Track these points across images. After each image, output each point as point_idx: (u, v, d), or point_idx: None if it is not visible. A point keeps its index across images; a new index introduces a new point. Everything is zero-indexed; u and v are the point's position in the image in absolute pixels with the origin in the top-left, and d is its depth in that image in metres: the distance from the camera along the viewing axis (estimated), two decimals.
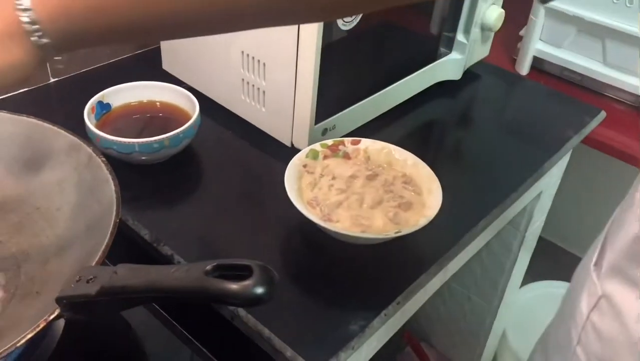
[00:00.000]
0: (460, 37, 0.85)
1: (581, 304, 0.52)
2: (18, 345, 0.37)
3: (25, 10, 0.38)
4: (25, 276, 0.51)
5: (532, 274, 1.19)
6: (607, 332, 0.48)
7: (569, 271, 0.59)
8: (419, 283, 0.59)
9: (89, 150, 0.54)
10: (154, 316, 0.59)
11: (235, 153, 0.74)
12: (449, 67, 0.86)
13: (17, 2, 0.37)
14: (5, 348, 0.37)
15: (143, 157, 0.66)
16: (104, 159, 0.53)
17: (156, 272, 0.36)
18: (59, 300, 0.39)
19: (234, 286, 0.33)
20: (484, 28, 0.85)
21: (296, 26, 0.63)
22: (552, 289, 1.29)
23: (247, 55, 0.71)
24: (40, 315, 0.44)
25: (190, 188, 0.69)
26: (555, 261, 1.41)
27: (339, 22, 0.65)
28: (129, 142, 0.64)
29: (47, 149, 0.56)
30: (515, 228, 0.97)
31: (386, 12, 0.74)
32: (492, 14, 0.83)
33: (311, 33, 0.62)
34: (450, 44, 0.86)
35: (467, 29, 0.84)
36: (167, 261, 0.58)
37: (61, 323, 0.53)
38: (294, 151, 0.68)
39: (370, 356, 0.62)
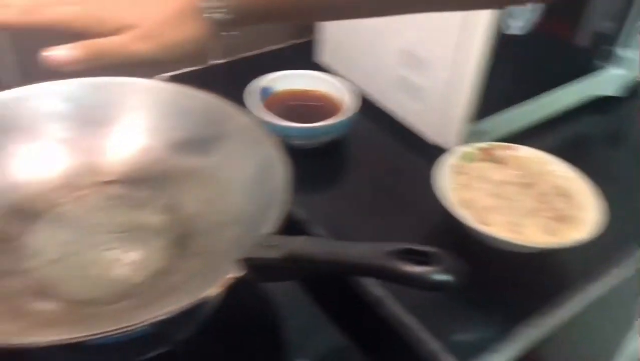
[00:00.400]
0: (624, 51, 0.81)
1: None
2: (206, 295, 0.41)
3: None
4: (200, 237, 0.55)
5: None
6: None
7: None
8: (566, 298, 0.57)
9: (261, 130, 0.57)
10: (294, 295, 0.61)
11: (384, 147, 0.75)
12: (609, 82, 0.83)
13: None
14: (198, 298, 0.41)
15: (300, 142, 0.69)
16: (277, 140, 0.56)
17: (340, 246, 0.39)
18: (246, 260, 0.42)
19: (418, 269, 0.35)
20: None
21: (460, 26, 0.64)
22: None
23: (407, 52, 0.72)
24: (215, 274, 0.47)
25: (340, 175, 0.72)
26: None
27: (506, 25, 0.65)
28: (289, 126, 0.67)
29: (222, 124, 0.60)
30: None
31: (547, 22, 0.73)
32: None
33: (478, 34, 0.63)
34: (609, 58, 0.83)
35: (631, 42, 0.81)
36: None
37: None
38: (443, 151, 0.69)
39: None
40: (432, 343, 0.52)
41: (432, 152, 0.71)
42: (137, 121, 0.62)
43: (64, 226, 0.56)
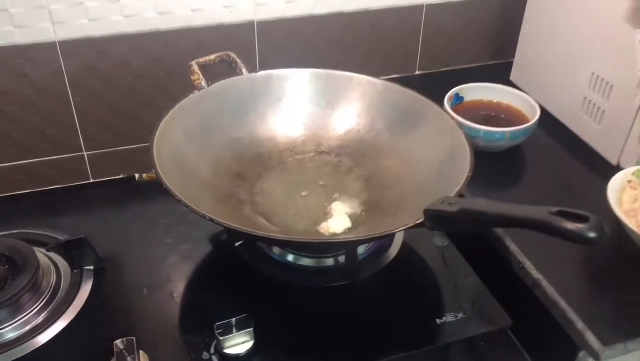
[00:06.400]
0: None
1: None
2: (396, 230, 0.53)
3: None
4: (386, 201, 0.68)
5: None
6: None
7: None
8: None
9: (453, 123, 0.68)
10: (459, 268, 0.69)
11: (559, 160, 0.82)
12: None
13: None
14: (387, 230, 0.53)
15: (483, 144, 0.79)
16: (465, 131, 0.67)
17: (507, 205, 0.48)
18: (426, 211, 0.53)
19: (572, 225, 0.43)
20: None
21: None
22: None
23: (597, 76, 0.78)
24: (399, 224, 0.59)
25: (515, 180, 0.79)
26: None
27: None
28: (477, 128, 0.77)
29: (419, 116, 0.72)
30: None
31: None
32: None
33: None
34: None
35: None
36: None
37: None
38: (617, 169, 0.73)
39: None
40: (579, 323, 0.58)
41: (608, 172, 0.75)
42: (352, 108, 0.76)
43: (286, 178, 0.72)
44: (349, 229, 0.64)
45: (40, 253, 0.64)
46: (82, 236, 0.64)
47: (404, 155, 0.71)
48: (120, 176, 0.86)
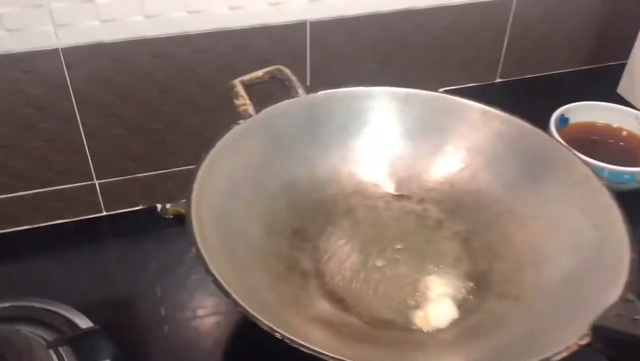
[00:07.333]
0: None
1: None
2: (553, 357, 0.36)
3: None
4: (498, 275, 0.51)
5: None
6: None
7: None
8: None
9: (587, 170, 0.51)
10: None
11: None
12: None
13: None
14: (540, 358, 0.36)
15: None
16: (605, 183, 0.50)
17: None
18: (595, 328, 0.36)
19: None
20: None
21: None
22: None
23: None
24: (525, 322, 0.43)
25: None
26: None
27: None
28: (601, 166, 0.60)
29: (533, 155, 0.55)
30: None
31: None
32: None
33: None
34: None
35: None
36: None
37: None
38: None
39: None
40: None
41: None
42: (439, 138, 0.59)
43: (358, 233, 0.55)
44: (457, 322, 0.47)
45: (39, 344, 0.48)
46: (96, 327, 0.48)
47: (513, 207, 0.54)
48: (139, 208, 0.70)
